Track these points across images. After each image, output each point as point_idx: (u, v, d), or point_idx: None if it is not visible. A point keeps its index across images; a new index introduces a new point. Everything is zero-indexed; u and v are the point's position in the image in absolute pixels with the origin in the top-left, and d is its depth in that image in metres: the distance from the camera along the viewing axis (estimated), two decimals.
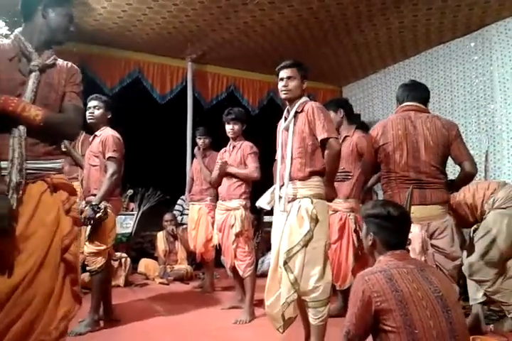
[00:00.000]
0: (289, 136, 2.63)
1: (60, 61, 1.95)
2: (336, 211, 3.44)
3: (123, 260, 4.90)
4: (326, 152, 2.53)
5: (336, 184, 3.45)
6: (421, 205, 2.41)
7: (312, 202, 2.48)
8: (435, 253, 2.39)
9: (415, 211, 2.34)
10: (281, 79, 2.67)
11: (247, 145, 3.76)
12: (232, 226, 3.63)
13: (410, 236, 2.30)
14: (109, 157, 3.22)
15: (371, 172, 2.88)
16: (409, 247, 2.31)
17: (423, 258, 2.33)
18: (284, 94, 2.67)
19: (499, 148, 5.21)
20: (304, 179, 2.55)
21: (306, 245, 2.44)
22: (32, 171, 1.78)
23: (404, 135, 2.49)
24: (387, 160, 2.53)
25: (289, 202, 2.55)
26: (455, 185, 2.61)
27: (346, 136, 3.56)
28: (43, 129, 1.79)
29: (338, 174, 3.34)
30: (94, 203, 3.05)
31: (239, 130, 3.82)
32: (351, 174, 3.44)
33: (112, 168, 3.20)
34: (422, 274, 1.66)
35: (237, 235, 3.62)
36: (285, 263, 2.45)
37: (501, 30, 5.20)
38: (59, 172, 1.89)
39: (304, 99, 2.69)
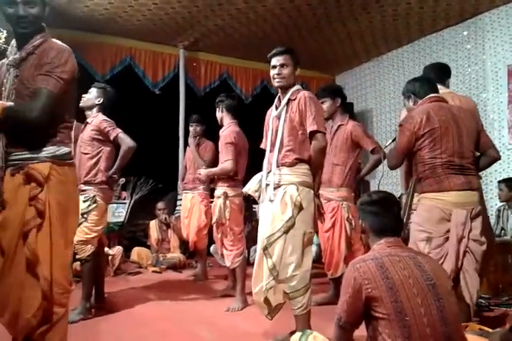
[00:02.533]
0: (280, 124, 2.59)
1: (40, 49, 1.92)
2: (328, 200, 3.45)
3: (109, 257, 4.75)
4: (312, 145, 2.52)
5: (328, 173, 3.48)
6: (468, 191, 2.44)
7: (298, 190, 2.46)
8: (469, 240, 2.42)
9: (462, 196, 2.41)
10: (274, 66, 2.61)
11: (222, 136, 3.65)
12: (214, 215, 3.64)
13: (455, 221, 2.37)
14: (116, 135, 3.23)
15: (402, 162, 2.72)
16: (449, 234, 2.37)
17: (462, 245, 2.37)
18: (278, 82, 2.61)
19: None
20: (291, 165, 2.52)
21: (287, 232, 2.42)
22: (15, 162, 1.88)
23: (448, 120, 2.49)
24: (432, 146, 2.48)
25: (274, 188, 2.52)
26: (479, 166, 2.66)
27: (341, 125, 3.53)
28: (6, 122, 1.80)
29: None
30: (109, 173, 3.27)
31: (219, 116, 3.79)
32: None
33: (125, 141, 3.22)
34: (414, 262, 1.66)
35: (217, 224, 3.62)
36: (265, 248, 2.43)
37: (494, 19, 5.20)
38: (42, 161, 1.89)
39: (297, 87, 2.64)
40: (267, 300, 2.46)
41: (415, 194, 2.55)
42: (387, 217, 1.82)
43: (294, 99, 2.57)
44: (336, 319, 1.70)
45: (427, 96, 2.60)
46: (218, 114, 3.80)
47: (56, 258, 1.87)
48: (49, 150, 1.91)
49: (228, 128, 3.67)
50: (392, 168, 2.71)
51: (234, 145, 3.55)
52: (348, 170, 3.44)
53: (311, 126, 2.49)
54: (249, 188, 2.71)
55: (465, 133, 2.51)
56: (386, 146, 3.00)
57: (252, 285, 2.55)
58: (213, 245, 5.23)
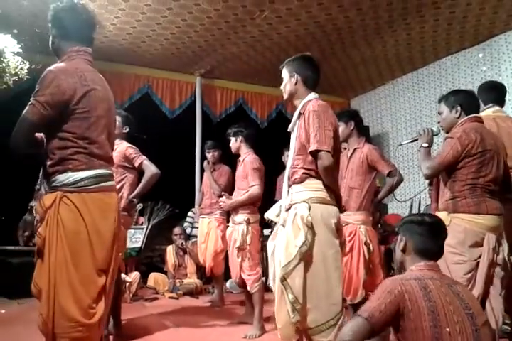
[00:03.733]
0: (291, 141, 2.46)
1: None
2: (346, 223, 3.41)
3: (127, 284, 4.70)
4: (318, 166, 2.27)
5: (345, 196, 3.45)
6: (500, 215, 2.43)
7: (309, 208, 2.21)
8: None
9: (495, 221, 2.39)
10: None
11: (247, 161, 3.74)
12: (236, 240, 3.62)
13: (487, 246, 2.33)
14: (141, 162, 3.26)
15: (439, 174, 2.59)
16: (481, 259, 2.33)
17: (492, 270, 2.34)
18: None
19: None
20: (301, 181, 2.32)
21: (304, 258, 2.17)
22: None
23: (495, 145, 2.48)
24: (479, 167, 2.43)
25: (286, 210, 2.32)
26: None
27: (356, 148, 3.50)
28: None
29: None
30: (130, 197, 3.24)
31: (233, 144, 3.86)
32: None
33: (150, 168, 3.24)
34: (452, 289, 1.64)
35: (238, 249, 3.60)
36: (283, 279, 2.17)
37: (509, 41, 5.20)
38: (53, 190, 1.91)
39: (309, 97, 2.43)
40: (298, 330, 2.23)
41: (445, 212, 2.47)
42: (433, 241, 1.80)
43: (303, 113, 2.38)
44: (367, 316, 1.56)
45: (473, 115, 2.56)
46: (235, 144, 3.86)
47: (65, 291, 1.81)
48: (58, 179, 1.90)
49: (251, 155, 3.78)
50: (428, 177, 2.60)
51: (259, 171, 3.67)
52: (364, 194, 3.40)
53: (312, 145, 2.25)
54: (271, 213, 2.55)
55: (502, 161, 2.50)
56: (401, 144, 2.95)
57: (276, 317, 2.27)
58: (230, 280, 5.22)
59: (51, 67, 1.92)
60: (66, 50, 2.03)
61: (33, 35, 4.09)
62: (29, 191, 2.58)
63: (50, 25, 2.05)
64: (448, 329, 1.50)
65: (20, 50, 4.04)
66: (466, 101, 2.58)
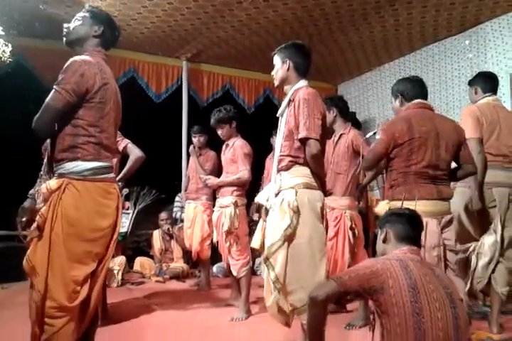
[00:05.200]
0: (280, 127, 2.50)
1: None
2: (331, 208, 3.44)
3: (115, 271, 4.76)
4: (306, 153, 2.36)
5: (331, 182, 3.48)
6: (438, 200, 2.45)
7: (296, 193, 2.30)
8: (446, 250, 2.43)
9: (432, 206, 2.41)
10: None
11: (237, 145, 3.74)
12: (224, 223, 3.63)
13: (426, 230, 2.32)
14: (125, 146, 3.28)
15: (376, 165, 2.67)
16: (423, 243, 2.35)
17: (435, 253, 2.35)
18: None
19: None
20: (288, 168, 2.40)
21: (288, 240, 2.27)
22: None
23: (429, 131, 2.47)
24: (409, 156, 2.46)
25: (275, 195, 2.40)
26: (455, 178, 2.65)
27: (342, 134, 3.52)
28: None
29: None
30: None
31: (227, 131, 3.83)
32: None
33: (134, 151, 3.24)
34: (432, 271, 1.73)
35: (226, 233, 3.61)
36: (266, 259, 2.30)
37: (496, 28, 5.22)
38: (60, 177, 1.99)
39: (300, 84, 2.48)
40: (281, 310, 2.33)
41: (386, 201, 2.53)
42: (413, 229, 1.90)
43: (293, 100, 2.43)
44: (335, 277, 1.71)
45: (414, 101, 2.58)
46: (230, 130, 3.83)
47: (55, 272, 1.88)
48: (66, 167, 1.98)
49: (240, 140, 3.80)
50: (365, 169, 2.72)
51: (249, 156, 3.71)
52: (350, 179, 3.43)
53: (301, 133, 2.33)
54: (261, 198, 2.59)
55: (444, 146, 2.48)
56: (366, 138, 2.99)
57: (265, 297, 2.41)
58: (216, 265, 5.29)
59: (75, 58, 2.01)
60: (88, 48, 2.13)
61: (14, 18, 3.99)
62: (17, 178, 2.61)
63: (82, 20, 2.14)
64: (423, 320, 1.56)
65: (3, 33, 3.95)
66: (405, 89, 2.64)
